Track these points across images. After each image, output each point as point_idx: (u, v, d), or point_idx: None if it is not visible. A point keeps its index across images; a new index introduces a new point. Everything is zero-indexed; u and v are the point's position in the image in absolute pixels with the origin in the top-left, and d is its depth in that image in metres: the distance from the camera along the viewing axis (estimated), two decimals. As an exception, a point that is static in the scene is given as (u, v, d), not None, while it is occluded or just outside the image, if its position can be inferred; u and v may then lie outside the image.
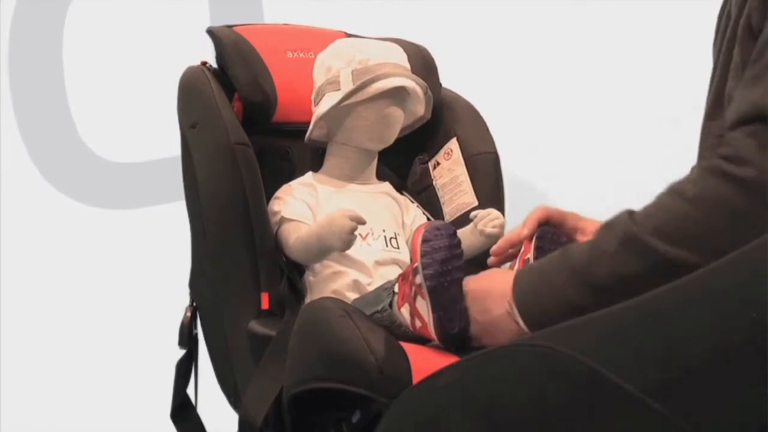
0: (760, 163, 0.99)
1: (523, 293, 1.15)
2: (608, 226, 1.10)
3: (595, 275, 1.08)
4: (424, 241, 1.24)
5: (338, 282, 1.53)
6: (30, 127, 2.74)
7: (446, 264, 1.24)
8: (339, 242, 1.45)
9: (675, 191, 1.06)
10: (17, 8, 2.72)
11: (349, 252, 1.52)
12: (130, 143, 2.54)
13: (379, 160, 1.69)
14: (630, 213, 1.08)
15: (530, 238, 1.31)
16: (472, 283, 1.26)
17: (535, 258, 1.28)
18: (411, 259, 1.27)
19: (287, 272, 1.54)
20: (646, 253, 1.05)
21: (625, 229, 1.07)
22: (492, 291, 1.21)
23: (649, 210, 1.07)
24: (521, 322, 1.14)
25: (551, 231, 1.31)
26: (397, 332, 1.30)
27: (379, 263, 1.56)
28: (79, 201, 2.69)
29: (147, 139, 2.47)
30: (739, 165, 1.01)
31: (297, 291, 1.54)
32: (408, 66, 1.63)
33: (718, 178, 1.02)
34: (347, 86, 1.56)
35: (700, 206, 1.02)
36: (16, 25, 2.73)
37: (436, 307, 1.23)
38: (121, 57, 2.55)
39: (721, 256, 0.96)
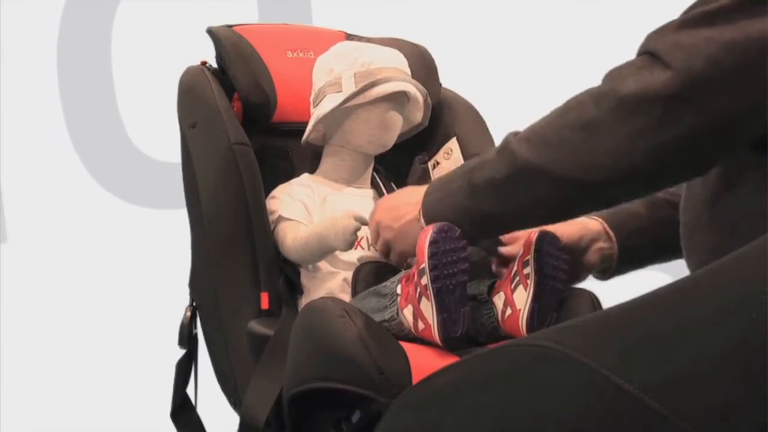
0: (615, 79, 1.08)
1: (428, 199, 1.28)
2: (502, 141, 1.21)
3: (476, 179, 1.20)
4: (432, 242, 1.24)
5: (330, 282, 1.53)
6: (78, 126, 2.76)
7: (452, 266, 1.25)
8: (341, 242, 1.45)
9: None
10: (65, 10, 2.73)
11: (341, 254, 1.52)
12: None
13: (378, 161, 1.69)
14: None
15: (529, 239, 1.34)
16: (388, 199, 1.41)
17: (535, 259, 1.32)
18: (417, 260, 1.28)
19: (285, 270, 1.55)
20: (510, 158, 1.16)
21: (506, 139, 1.18)
22: (406, 199, 1.33)
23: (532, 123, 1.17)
24: (423, 223, 1.27)
25: (550, 234, 1.34)
26: (400, 336, 1.31)
27: None
28: (127, 200, 2.71)
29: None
30: (602, 83, 1.10)
31: (294, 289, 1.55)
32: (409, 72, 1.63)
33: (583, 94, 1.11)
34: (349, 88, 1.56)
35: (560, 115, 1.13)
36: (65, 26, 2.74)
37: (440, 309, 1.24)
38: (165, 56, 2.56)
39: (562, 165, 1.10)
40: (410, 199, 1.32)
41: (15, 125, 2.76)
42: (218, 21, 1.76)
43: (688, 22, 1.05)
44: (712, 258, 0.96)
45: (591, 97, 1.10)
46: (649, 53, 1.07)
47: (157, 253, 2.62)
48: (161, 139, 2.57)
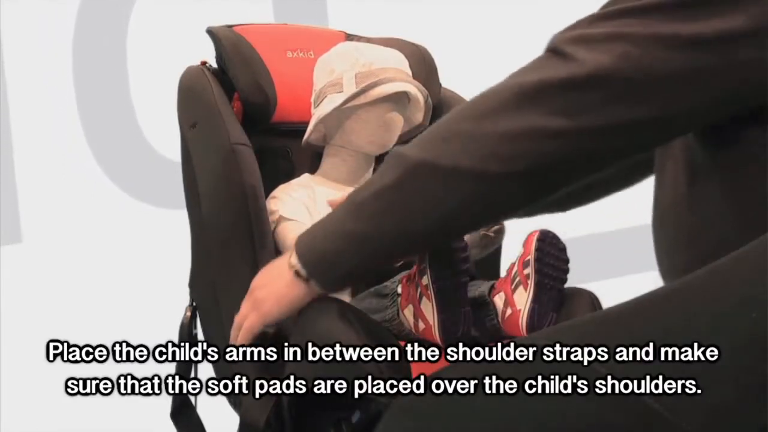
0: (517, 74, 1.07)
1: (301, 239, 1.17)
2: None
3: (360, 197, 1.11)
4: None
5: None
6: (94, 125, 2.76)
7: (453, 266, 1.25)
8: None
9: None
10: (81, 9, 2.73)
11: None
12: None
13: (379, 162, 1.69)
14: None
15: (530, 239, 1.34)
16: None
17: (536, 260, 1.31)
18: (417, 261, 1.28)
19: None
20: (397, 162, 1.08)
21: (393, 150, 1.11)
22: (276, 263, 1.23)
23: None
24: (298, 265, 1.16)
25: (551, 234, 1.33)
26: (400, 336, 1.31)
27: None
28: (143, 200, 2.72)
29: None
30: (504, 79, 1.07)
31: None
32: (410, 72, 1.63)
33: (483, 91, 1.08)
34: (350, 89, 1.56)
35: (456, 112, 1.08)
36: (80, 25, 2.74)
37: (441, 309, 1.24)
38: (182, 55, 2.58)
39: (457, 156, 1.03)
40: (280, 260, 1.23)
41: (30, 125, 2.77)
42: (231, 21, 1.76)
43: (597, 18, 1.05)
44: (683, 256, 0.96)
45: (490, 90, 1.08)
46: (551, 50, 1.07)
47: (170, 252, 2.63)
48: (177, 139, 2.59)
